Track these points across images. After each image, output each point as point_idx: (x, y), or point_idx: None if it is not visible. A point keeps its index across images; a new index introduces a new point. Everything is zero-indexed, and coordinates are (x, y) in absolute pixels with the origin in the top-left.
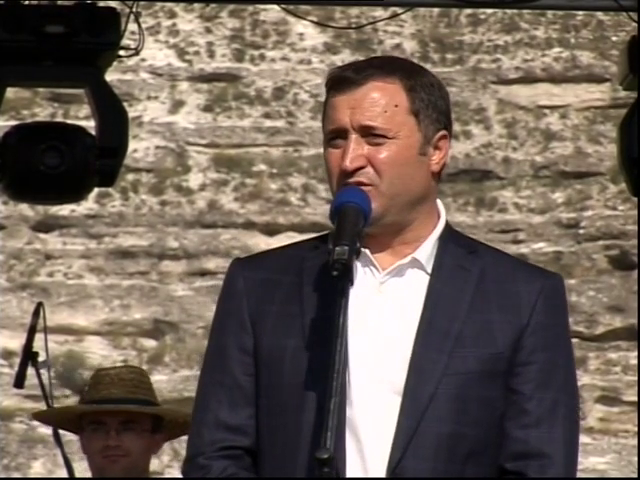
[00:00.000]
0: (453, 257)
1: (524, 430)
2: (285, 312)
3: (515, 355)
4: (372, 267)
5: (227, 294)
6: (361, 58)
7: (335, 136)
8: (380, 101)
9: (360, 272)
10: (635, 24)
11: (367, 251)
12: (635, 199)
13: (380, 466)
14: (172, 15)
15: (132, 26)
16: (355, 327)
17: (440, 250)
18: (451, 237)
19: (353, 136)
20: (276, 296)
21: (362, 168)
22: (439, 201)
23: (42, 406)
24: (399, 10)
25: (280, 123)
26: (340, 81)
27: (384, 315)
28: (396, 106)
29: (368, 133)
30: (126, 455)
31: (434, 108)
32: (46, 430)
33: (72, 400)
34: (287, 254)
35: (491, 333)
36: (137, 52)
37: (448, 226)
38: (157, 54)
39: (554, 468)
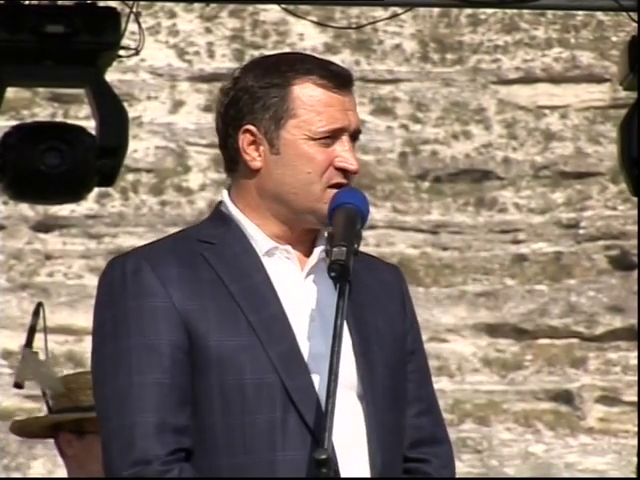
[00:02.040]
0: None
1: (419, 418)
2: (222, 310)
3: (405, 344)
4: (292, 264)
5: (138, 291)
6: (361, 58)
7: (329, 135)
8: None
9: (283, 269)
10: (635, 24)
11: (289, 247)
12: (635, 199)
13: (361, 461)
14: (172, 15)
15: (132, 26)
16: (298, 327)
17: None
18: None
19: (346, 137)
20: (203, 293)
21: None
22: None
23: (42, 406)
24: (399, 10)
25: None
26: (337, 79)
27: (316, 313)
28: None
29: (353, 137)
30: None
31: None
32: None
33: None
34: (179, 248)
35: (393, 324)
36: (137, 52)
37: None
38: (157, 54)
39: (448, 452)
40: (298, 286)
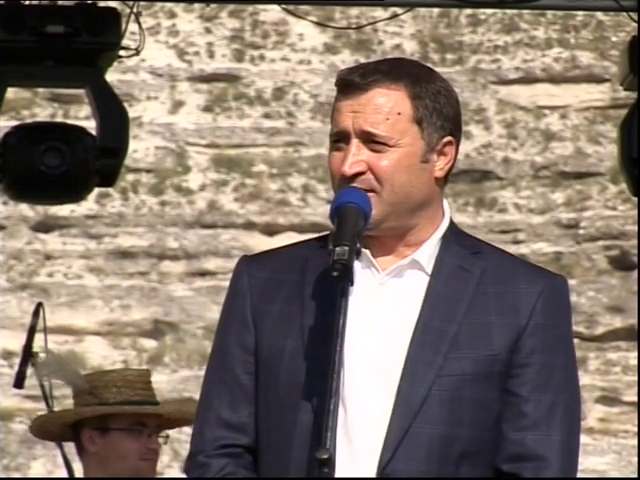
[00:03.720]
0: (454, 258)
1: (521, 432)
2: (286, 312)
3: (512, 357)
4: (372, 268)
5: (233, 292)
6: (361, 59)
7: (338, 139)
8: (383, 108)
9: (360, 273)
10: (635, 24)
11: (367, 252)
12: (635, 199)
13: (370, 467)
14: (172, 15)
15: (132, 26)
16: (353, 328)
17: (442, 251)
18: (454, 238)
19: (354, 141)
20: (278, 295)
21: (362, 174)
22: (445, 202)
23: (42, 406)
24: (399, 10)
25: (280, 123)
26: (346, 84)
27: (382, 316)
28: (399, 114)
29: (369, 139)
30: (157, 458)
31: (439, 115)
32: None
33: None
34: (293, 253)
35: (488, 334)
36: (137, 52)
37: (453, 227)
38: (157, 54)
39: (550, 471)
40: (370, 290)
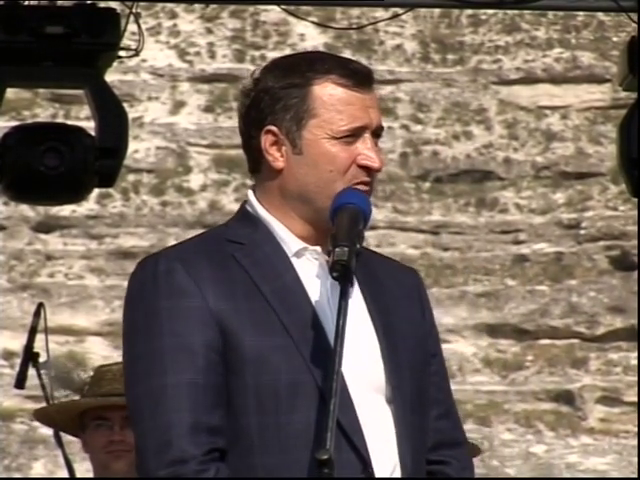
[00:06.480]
0: None
1: (439, 420)
2: (254, 310)
3: (427, 347)
4: (323, 266)
5: (175, 291)
6: (362, 59)
7: (351, 133)
8: (378, 103)
9: (314, 270)
10: (635, 25)
11: (318, 248)
12: (635, 200)
13: (387, 462)
14: (173, 16)
15: (133, 27)
16: (326, 328)
17: None
18: None
19: (368, 135)
20: (235, 293)
21: None
22: None
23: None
24: (400, 11)
25: None
26: (360, 78)
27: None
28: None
29: (376, 135)
30: (130, 450)
31: None
32: (47, 431)
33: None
34: (211, 250)
35: (414, 327)
36: (137, 53)
37: None
38: (158, 55)
39: (465, 454)
40: (327, 287)
